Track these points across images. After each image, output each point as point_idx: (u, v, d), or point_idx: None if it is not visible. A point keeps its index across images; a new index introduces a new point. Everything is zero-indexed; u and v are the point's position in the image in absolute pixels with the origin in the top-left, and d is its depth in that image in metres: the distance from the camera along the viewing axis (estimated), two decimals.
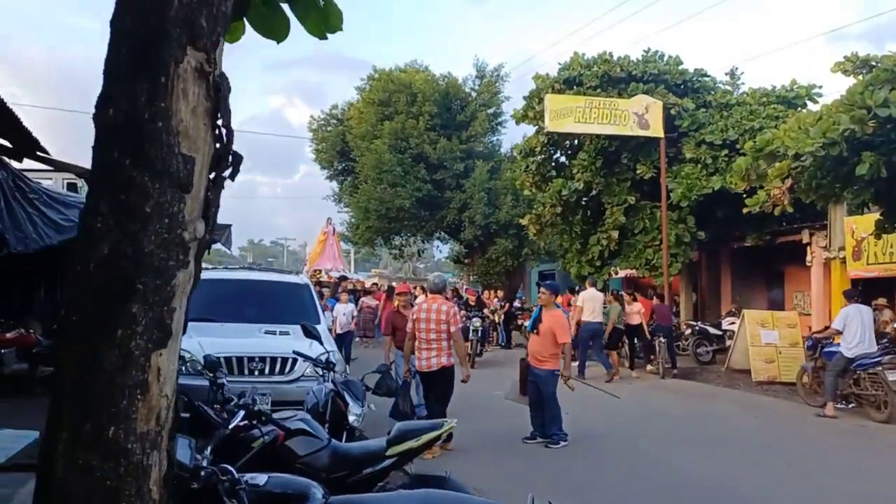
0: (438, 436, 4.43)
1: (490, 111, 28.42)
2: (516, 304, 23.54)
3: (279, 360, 7.85)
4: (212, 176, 2.09)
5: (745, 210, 12.93)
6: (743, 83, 18.32)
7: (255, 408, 4.00)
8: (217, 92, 2.03)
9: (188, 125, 1.96)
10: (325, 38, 3.17)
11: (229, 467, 3.03)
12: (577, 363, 13.39)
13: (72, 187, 12.71)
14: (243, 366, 7.55)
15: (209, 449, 3.40)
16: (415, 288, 25.00)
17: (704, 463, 7.71)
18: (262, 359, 7.69)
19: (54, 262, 9.53)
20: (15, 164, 6.94)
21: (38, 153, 6.49)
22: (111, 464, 1.89)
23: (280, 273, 11.64)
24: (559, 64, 18.51)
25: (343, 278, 25.41)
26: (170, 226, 1.94)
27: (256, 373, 7.59)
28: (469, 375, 7.82)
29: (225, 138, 2.08)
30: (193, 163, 1.98)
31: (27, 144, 6.22)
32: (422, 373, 7.74)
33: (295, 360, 7.94)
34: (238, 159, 2.13)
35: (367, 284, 27.79)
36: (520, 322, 21.18)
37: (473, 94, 28.49)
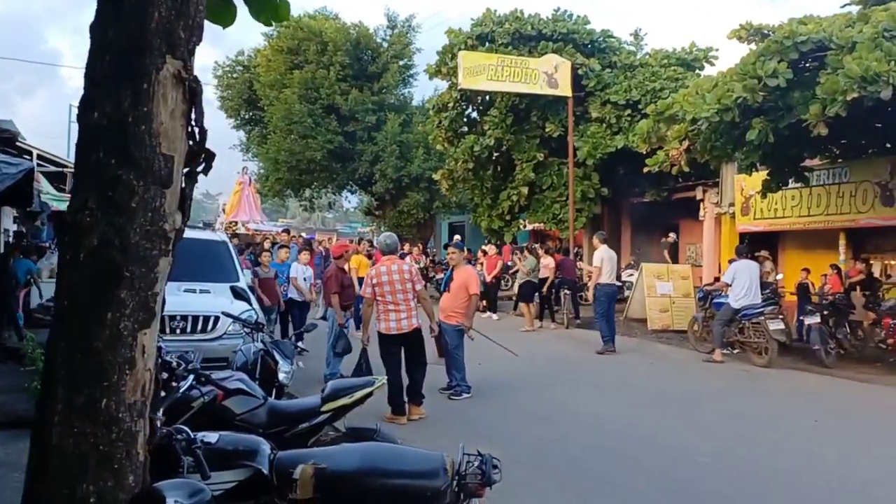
0: (370, 392, 4.75)
1: (402, 63, 28.26)
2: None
3: (201, 318, 7.96)
4: (185, 171, 2.30)
5: (645, 169, 13.71)
6: (646, 44, 19.02)
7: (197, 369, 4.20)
8: (193, 96, 2.22)
9: (167, 127, 2.16)
10: (271, 25, 3.34)
11: (184, 427, 3.25)
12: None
13: None
14: (165, 325, 7.59)
15: (161, 411, 3.60)
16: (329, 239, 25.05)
17: (607, 406, 8.38)
18: (185, 317, 7.79)
19: None
20: None
21: None
22: (104, 431, 2.13)
23: (195, 229, 11.45)
24: (472, 19, 18.71)
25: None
26: (153, 218, 2.15)
27: (179, 331, 7.70)
28: (437, 330, 7.95)
29: (198, 137, 2.28)
30: (173, 161, 2.18)
31: None
32: (390, 335, 7.50)
33: (217, 319, 8.06)
34: (211, 156, 2.33)
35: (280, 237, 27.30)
36: (430, 275, 21.62)
37: (385, 45, 28.23)
